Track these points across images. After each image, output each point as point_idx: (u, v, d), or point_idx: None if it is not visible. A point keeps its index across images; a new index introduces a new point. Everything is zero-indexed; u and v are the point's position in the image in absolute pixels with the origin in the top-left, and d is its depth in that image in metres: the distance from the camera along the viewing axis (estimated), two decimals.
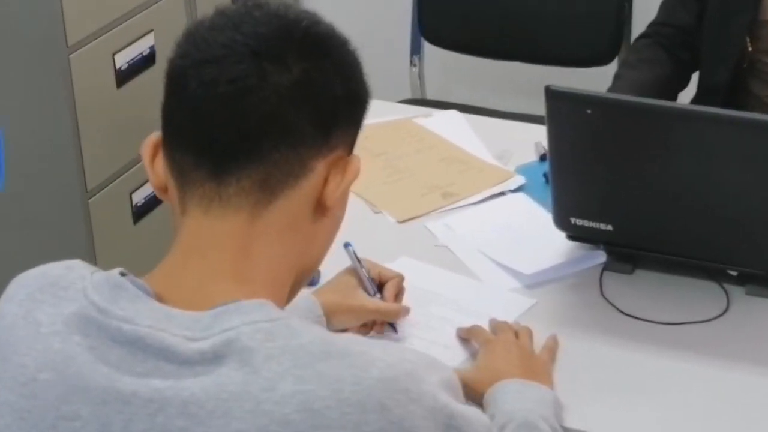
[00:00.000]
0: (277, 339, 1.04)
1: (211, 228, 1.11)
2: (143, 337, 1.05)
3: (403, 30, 3.09)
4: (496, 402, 1.47)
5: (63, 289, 1.10)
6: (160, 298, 1.09)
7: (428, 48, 3.07)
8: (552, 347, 1.64)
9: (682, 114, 1.75)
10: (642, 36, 2.43)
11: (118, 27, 2.74)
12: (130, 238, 2.82)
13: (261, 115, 1.09)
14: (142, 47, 2.81)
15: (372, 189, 2.04)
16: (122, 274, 1.10)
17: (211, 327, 1.05)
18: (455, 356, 1.65)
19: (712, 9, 2.29)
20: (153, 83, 2.87)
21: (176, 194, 1.13)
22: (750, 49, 2.27)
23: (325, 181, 1.13)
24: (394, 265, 1.83)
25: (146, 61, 2.83)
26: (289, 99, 1.09)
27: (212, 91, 1.09)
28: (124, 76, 2.77)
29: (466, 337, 1.67)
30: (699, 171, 1.69)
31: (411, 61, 3.09)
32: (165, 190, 1.15)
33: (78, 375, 1.05)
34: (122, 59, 2.75)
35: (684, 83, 2.40)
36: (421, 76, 3.10)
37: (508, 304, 1.76)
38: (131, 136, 2.74)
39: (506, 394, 1.47)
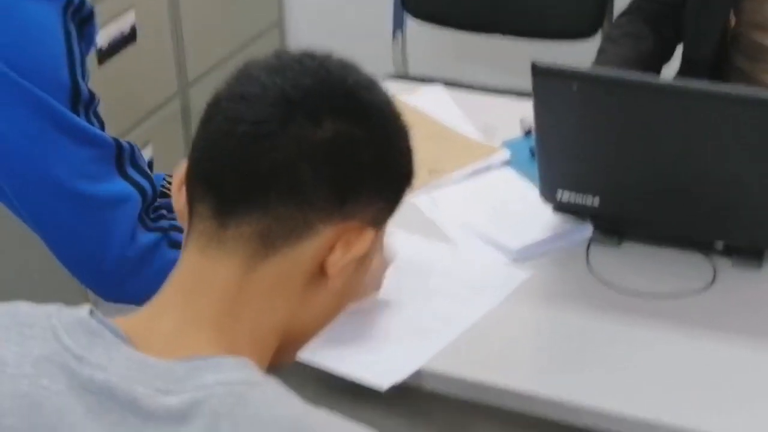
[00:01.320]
0: (248, 407, 0.98)
1: (203, 269, 1.07)
2: (113, 387, 1.00)
3: (386, 4, 3.08)
4: None
5: (28, 326, 1.05)
6: (133, 342, 1.04)
7: (411, 22, 3.06)
8: None
9: (669, 89, 1.75)
10: (625, 12, 2.42)
11: (99, 5, 2.72)
12: None
13: (273, 163, 1.04)
14: (122, 26, 2.80)
15: None
16: (90, 313, 1.05)
17: (184, 381, 1.00)
18: (455, 327, 1.65)
19: None
20: (134, 61, 2.86)
21: (186, 225, 1.10)
22: (733, 22, 2.27)
23: (332, 248, 1.08)
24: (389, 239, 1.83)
25: (127, 39, 2.82)
26: (308, 156, 1.04)
27: (233, 128, 1.05)
28: (105, 54, 2.76)
29: None
30: (685, 145, 1.69)
31: (393, 36, 3.08)
32: (184, 216, 1.12)
33: (44, 423, 1.00)
34: (103, 37, 2.74)
35: (667, 57, 2.39)
36: (403, 51, 3.09)
37: (503, 276, 1.76)
38: (113, 114, 2.72)
39: None
